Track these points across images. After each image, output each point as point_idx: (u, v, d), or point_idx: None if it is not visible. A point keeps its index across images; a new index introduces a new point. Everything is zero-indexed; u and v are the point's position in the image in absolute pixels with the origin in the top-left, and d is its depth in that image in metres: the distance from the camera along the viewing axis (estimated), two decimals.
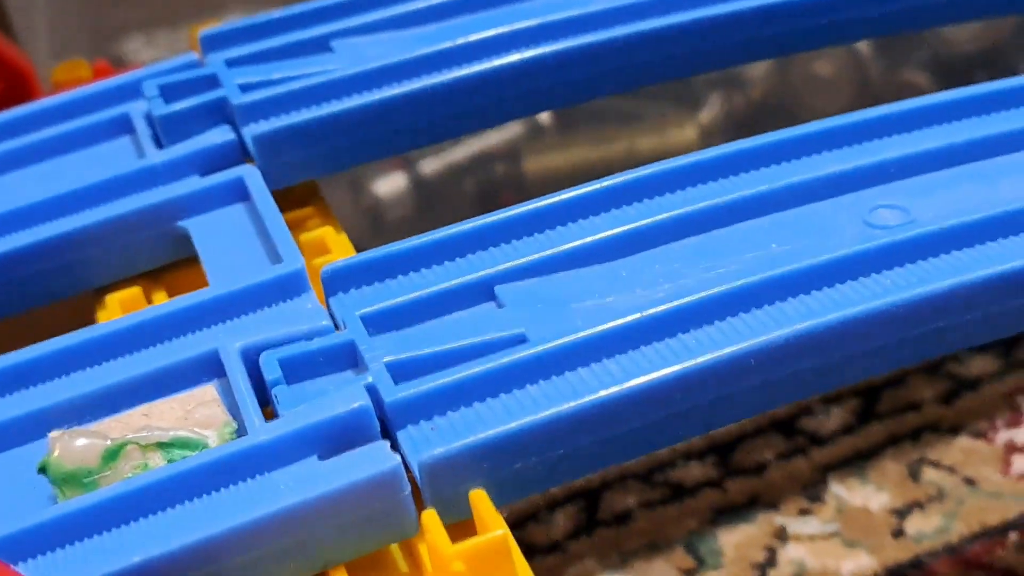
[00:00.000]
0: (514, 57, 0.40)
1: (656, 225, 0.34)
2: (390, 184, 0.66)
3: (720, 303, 0.32)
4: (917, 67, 0.67)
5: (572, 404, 0.30)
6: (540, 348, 0.31)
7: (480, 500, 0.28)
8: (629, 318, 0.32)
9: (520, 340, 0.32)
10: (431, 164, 0.67)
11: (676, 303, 0.32)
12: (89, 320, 0.36)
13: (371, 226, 0.66)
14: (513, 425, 0.29)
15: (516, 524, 0.50)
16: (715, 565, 0.48)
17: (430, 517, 0.28)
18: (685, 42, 0.42)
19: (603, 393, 0.30)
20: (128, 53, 0.71)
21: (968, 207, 0.34)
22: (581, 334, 0.31)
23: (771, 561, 0.48)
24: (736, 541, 0.49)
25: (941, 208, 0.34)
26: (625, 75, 0.42)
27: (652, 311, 0.32)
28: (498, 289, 0.33)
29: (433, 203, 0.67)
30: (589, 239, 0.34)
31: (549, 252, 0.34)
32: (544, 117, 0.67)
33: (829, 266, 0.33)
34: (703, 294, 0.32)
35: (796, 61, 0.68)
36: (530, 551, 0.49)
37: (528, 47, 0.40)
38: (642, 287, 0.33)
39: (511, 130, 0.67)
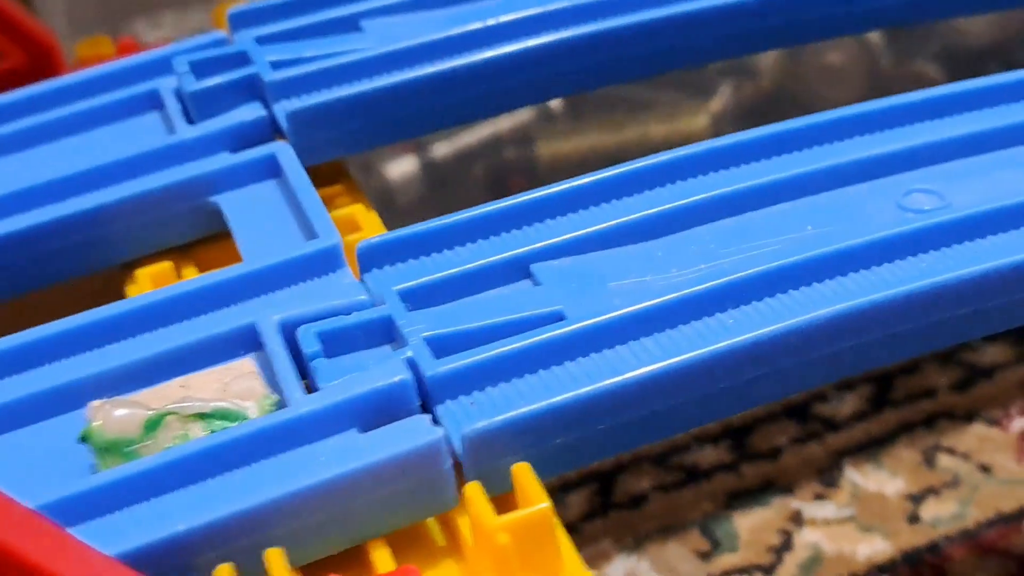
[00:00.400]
0: (547, 38, 0.40)
1: (692, 206, 0.34)
2: (401, 168, 0.67)
3: (757, 284, 0.32)
4: (928, 59, 0.67)
5: (611, 381, 0.30)
6: (578, 326, 0.31)
7: (524, 473, 0.28)
8: (666, 297, 0.32)
9: (558, 317, 0.32)
10: (441, 148, 0.67)
11: (713, 283, 0.32)
12: (117, 295, 0.36)
13: (382, 210, 0.66)
14: (555, 400, 0.29)
15: None
16: (731, 548, 0.48)
17: (474, 490, 0.28)
18: (700, 30, 0.42)
19: (641, 371, 0.30)
20: (135, 35, 0.71)
21: (1003, 192, 0.34)
22: (619, 312, 0.31)
23: (787, 545, 0.48)
24: (752, 525, 0.49)
25: (975, 193, 0.34)
26: (650, 60, 0.42)
27: (689, 291, 0.32)
28: (534, 267, 0.34)
29: (443, 187, 0.67)
30: (625, 219, 0.34)
31: (585, 231, 0.34)
32: (555, 103, 0.67)
33: (864, 249, 0.33)
34: (740, 274, 0.32)
35: (807, 51, 0.68)
36: None
37: (561, 28, 0.40)
38: (678, 267, 0.33)
39: (521, 116, 0.67)
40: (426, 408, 0.30)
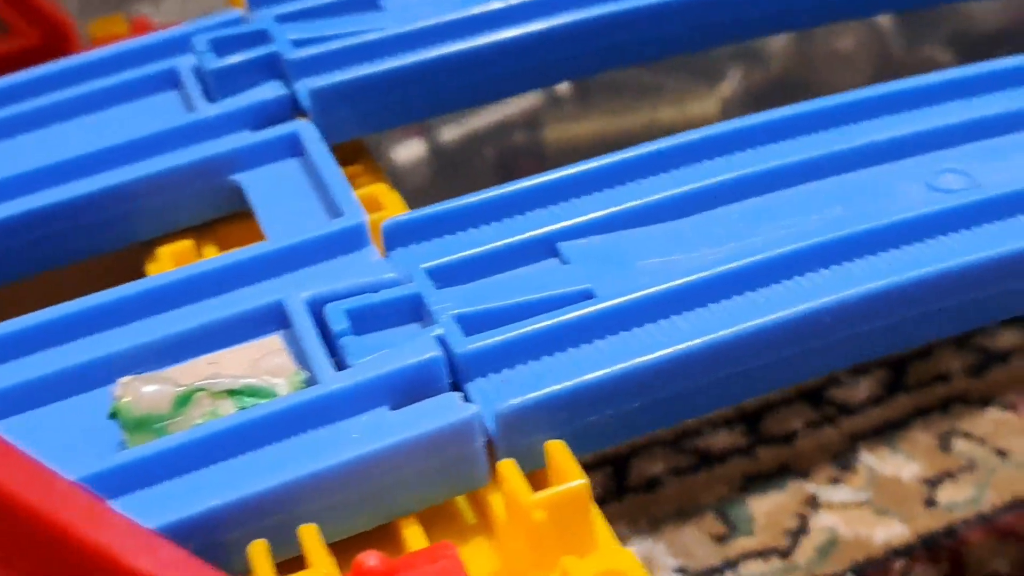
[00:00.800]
0: (566, 18, 0.40)
1: (720, 185, 0.34)
2: (409, 151, 0.66)
3: (786, 262, 0.32)
4: (938, 43, 0.67)
5: (644, 359, 0.30)
6: (608, 304, 0.31)
7: (558, 450, 0.28)
8: (695, 276, 0.32)
9: (587, 296, 0.32)
10: (450, 132, 0.66)
11: (743, 262, 0.32)
12: (136, 274, 0.36)
13: None
14: (588, 378, 0.29)
15: None
16: (747, 532, 0.48)
17: (509, 467, 0.28)
18: (708, 13, 0.42)
19: (673, 349, 0.30)
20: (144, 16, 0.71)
21: None
22: (648, 291, 0.31)
23: (803, 528, 0.48)
24: (767, 508, 0.49)
25: (1005, 173, 0.34)
26: (669, 42, 0.42)
27: (718, 270, 0.32)
28: (562, 246, 0.33)
29: (452, 171, 0.66)
30: (652, 198, 0.34)
31: (612, 210, 0.34)
32: (563, 87, 0.67)
33: (894, 228, 0.33)
34: (769, 254, 0.32)
35: (816, 36, 0.68)
36: None
37: (580, 8, 0.40)
38: (707, 246, 0.33)
39: (529, 99, 0.67)
40: (457, 386, 0.30)
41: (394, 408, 0.29)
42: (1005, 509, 0.48)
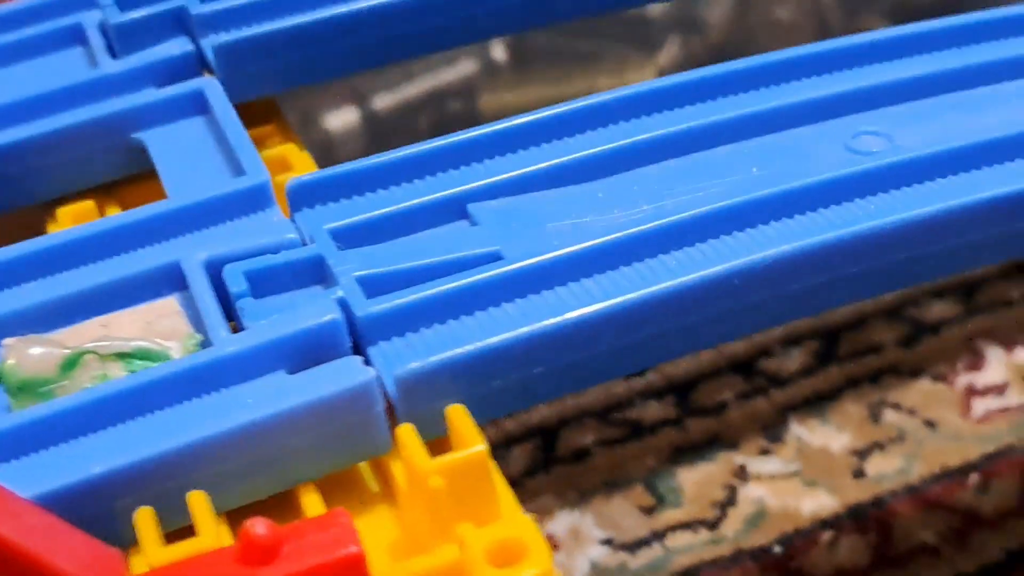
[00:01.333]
0: None
1: (635, 146, 0.33)
2: (342, 119, 0.65)
3: (700, 225, 0.31)
4: (877, 14, 0.66)
5: (551, 322, 0.29)
6: (516, 266, 0.30)
7: (458, 415, 0.27)
8: (607, 238, 0.31)
9: (495, 258, 0.31)
10: (384, 100, 0.65)
11: (655, 223, 0.31)
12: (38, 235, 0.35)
13: (322, 163, 0.65)
14: (492, 341, 0.28)
15: None
16: (675, 503, 0.47)
17: (407, 432, 0.27)
18: None
19: (582, 311, 0.29)
20: None
21: (950, 135, 0.33)
22: (558, 252, 0.30)
23: (731, 500, 0.47)
24: (696, 479, 0.48)
25: (925, 135, 0.34)
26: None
27: (631, 231, 0.31)
28: (471, 207, 0.32)
29: (386, 140, 0.65)
30: (565, 158, 0.33)
31: (524, 171, 0.33)
32: (499, 55, 0.66)
33: (812, 190, 0.32)
34: (683, 215, 0.31)
35: (756, 5, 0.67)
36: None
37: None
38: (620, 208, 0.32)
39: (465, 67, 0.66)
40: (358, 350, 0.29)
41: (292, 372, 0.28)
42: (933, 480, 0.47)
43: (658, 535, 0.47)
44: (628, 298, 0.29)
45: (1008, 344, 0.51)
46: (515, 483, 0.48)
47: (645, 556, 0.47)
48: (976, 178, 0.33)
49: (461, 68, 0.65)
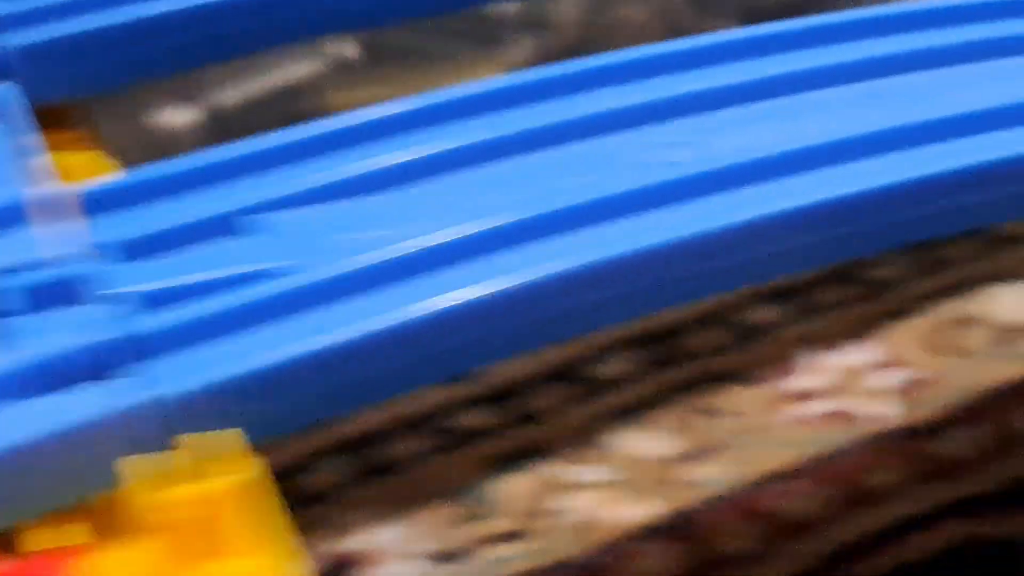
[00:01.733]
0: None
1: (430, 158, 0.32)
2: (184, 117, 0.63)
3: (501, 236, 0.30)
4: (727, 15, 0.67)
5: (325, 341, 0.28)
6: (299, 282, 0.29)
7: (227, 440, 0.26)
8: (397, 252, 0.30)
9: (282, 273, 0.29)
10: (229, 96, 0.64)
11: (448, 236, 0.30)
12: None
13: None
14: (266, 361, 0.27)
15: (283, 474, 0.47)
16: (493, 514, 0.47)
17: (151, 463, 0.25)
18: None
19: (361, 330, 0.28)
20: None
21: (760, 144, 0.33)
22: (344, 268, 0.29)
23: (550, 510, 0.47)
24: (515, 489, 0.47)
25: (738, 143, 0.33)
26: None
27: (424, 245, 0.30)
28: (255, 219, 0.31)
29: (231, 138, 0.64)
30: (366, 168, 0.32)
31: (316, 183, 0.32)
32: (351, 52, 0.65)
33: (620, 199, 0.31)
34: (478, 228, 0.30)
35: (606, 5, 0.67)
36: (299, 501, 0.47)
37: None
38: (417, 220, 0.31)
39: (314, 64, 0.65)
40: (120, 372, 0.27)
41: (39, 396, 0.26)
42: (754, 486, 0.47)
43: (475, 546, 0.46)
44: (406, 316, 0.28)
45: (824, 349, 0.52)
46: (327, 496, 0.47)
47: (464, 568, 0.46)
48: (791, 185, 0.32)
49: (309, 65, 0.64)
